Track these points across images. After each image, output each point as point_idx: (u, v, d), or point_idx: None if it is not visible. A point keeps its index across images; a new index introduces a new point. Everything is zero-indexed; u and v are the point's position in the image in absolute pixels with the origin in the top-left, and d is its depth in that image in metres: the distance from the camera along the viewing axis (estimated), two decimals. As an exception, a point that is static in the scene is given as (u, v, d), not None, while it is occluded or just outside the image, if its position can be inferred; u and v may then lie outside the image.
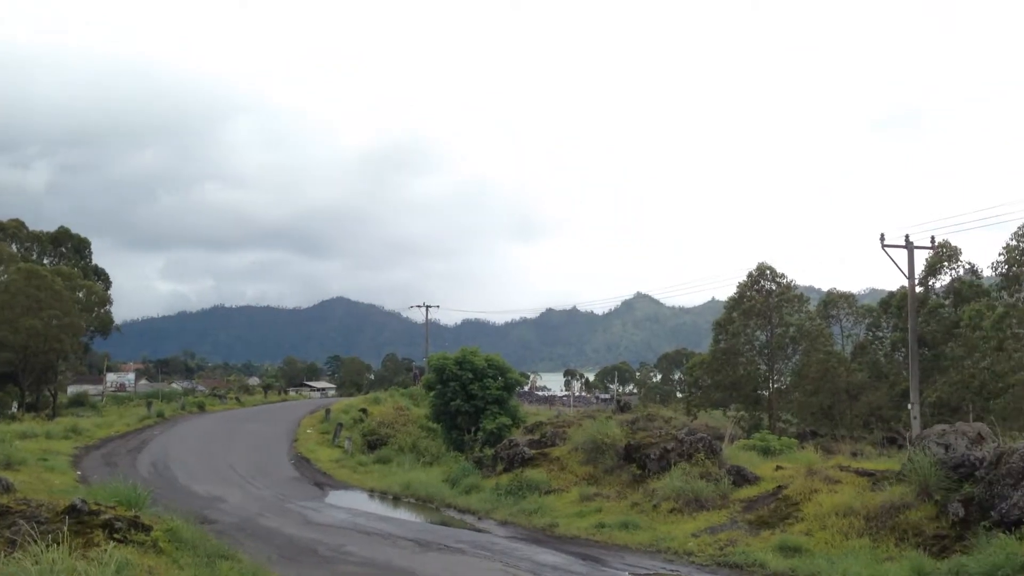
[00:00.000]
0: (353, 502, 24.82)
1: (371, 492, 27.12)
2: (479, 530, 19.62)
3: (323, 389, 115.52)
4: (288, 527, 18.93)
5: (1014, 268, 42.87)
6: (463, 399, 33.02)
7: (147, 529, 11.21)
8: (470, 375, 33.35)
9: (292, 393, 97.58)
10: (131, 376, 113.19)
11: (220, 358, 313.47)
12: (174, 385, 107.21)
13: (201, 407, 56.11)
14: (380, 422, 43.00)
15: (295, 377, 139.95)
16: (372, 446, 37.77)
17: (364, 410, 46.21)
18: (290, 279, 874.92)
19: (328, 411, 47.57)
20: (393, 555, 15.61)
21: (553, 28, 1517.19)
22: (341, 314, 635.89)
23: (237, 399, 68.50)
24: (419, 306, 77.88)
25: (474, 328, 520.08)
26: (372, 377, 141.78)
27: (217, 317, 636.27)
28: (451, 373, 33.52)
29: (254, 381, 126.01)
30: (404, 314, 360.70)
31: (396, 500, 25.38)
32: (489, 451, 27.48)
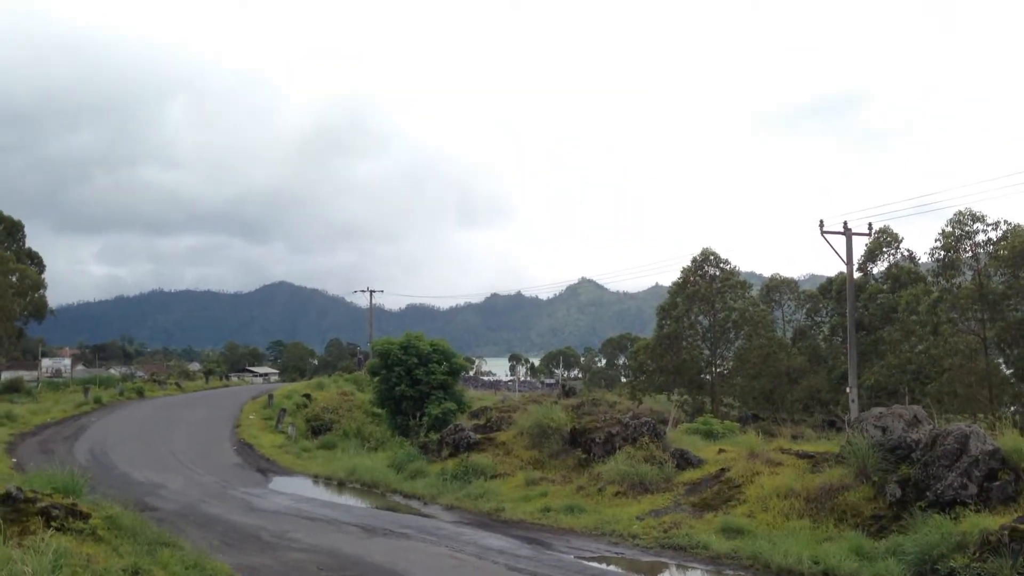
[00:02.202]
0: (297, 488, 24.54)
1: (315, 478, 26.84)
2: (425, 515, 19.54)
3: (265, 375, 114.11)
4: (231, 514, 18.64)
5: (949, 254, 43.97)
6: (408, 384, 32.85)
7: (85, 517, 10.94)
8: (415, 360, 33.19)
9: (234, 379, 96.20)
10: (67, 362, 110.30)
11: (159, 343, 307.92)
12: (112, 371, 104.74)
13: (140, 393, 54.98)
14: (324, 407, 42.59)
15: (237, 362, 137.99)
16: (316, 432, 37.42)
17: (308, 395, 45.72)
18: (231, 263, 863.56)
19: (271, 396, 46.99)
20: (339, 541, 15.46)
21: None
22: (283, 299, 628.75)
23: (177, 385, 67.26)
24: (363, 291, 77.19)
25: (419, 313, 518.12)
26: (315, 362, 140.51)
27: (156, 301, 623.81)
28: (396, 358, 33.32)
29: (195, 366, 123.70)
30: (348, 299, 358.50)
31: (341, 486, 25.15)
32: (435, 436, 27.39)
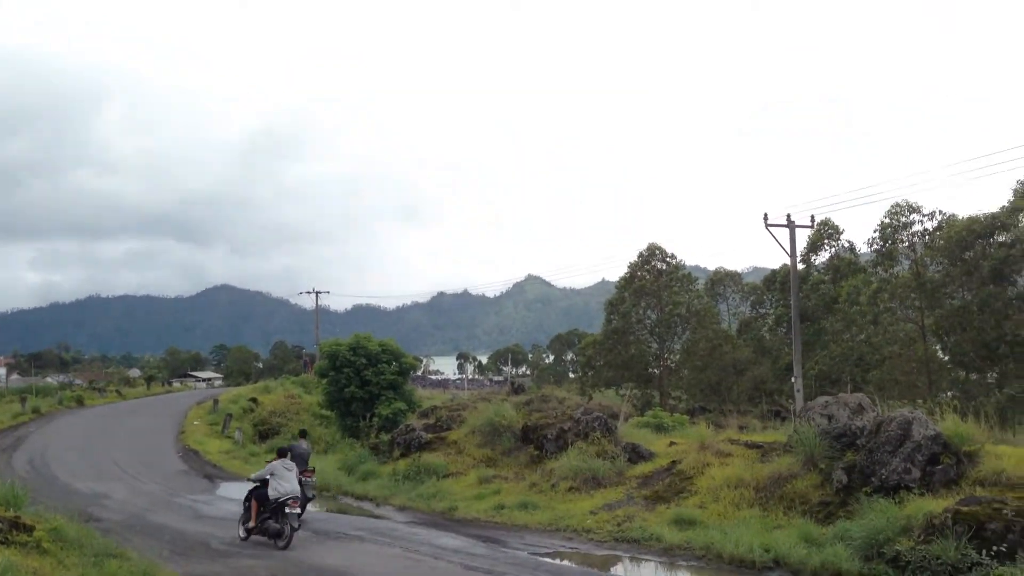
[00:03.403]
0: (244, 494, 24.16)
1: (264, 483, 26.45)
2: (378, 516, 19.41)
3: (209, 379, 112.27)
4: (178, 522, 18.31)
5: (888, 244, 44.94)
6: (357, 385, 32.58)
7: (29, 529, 10.67)
8: (364, 361, 32.92)
9: (176, 384, 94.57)
10: (2, 371, 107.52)
11: (97, 350, 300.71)
12: (49, 379, 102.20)
13: (80, 401, 53.68)
14: (271, 411, 42.11)
15: (179, 368, 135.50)
16: (264, 436, 36.99)
17: (254, 400, 45.14)
18: (171, 267, 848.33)
19: (216, 401, 46.29)
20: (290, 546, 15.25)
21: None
22: (226, 302, 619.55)
23: (118, 392, 65.81)
24: (308, 292, 76.29)
25: (365, 313, 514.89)
26: (261, 366, 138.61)
27: (93, 307, 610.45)
28: (344, 359, 33.01)
29: (135, 373, 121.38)
30: (293, 301, 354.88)
31: (291, 490, 24.82)
32: (385, 437, 27.21)
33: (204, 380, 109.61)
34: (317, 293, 75.54)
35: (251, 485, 16.17)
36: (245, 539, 15.70)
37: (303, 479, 17.50)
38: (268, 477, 15.79)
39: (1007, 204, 40.75)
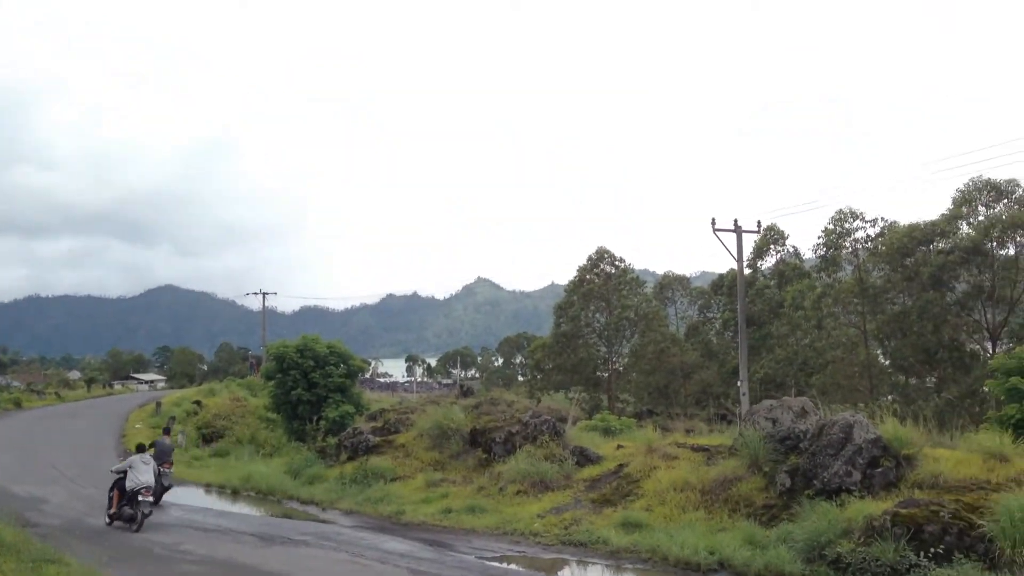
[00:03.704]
0: (189, 498, 23.72)
1: (208, 487, 26.06)
2: (324, 521, 19.20)
3: (152, 382, 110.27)
4: (119, 526, 17.90)
5: (831, 251, 45.77)
6: (304, 388, 32.22)
7: (-39, 536, 10.35)
8: (311, 363, 32.57)
9: (118, 386, 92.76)
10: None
11: (36, 351, 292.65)
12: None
13: (17, 403, 52.36)
14: (216, 414, 41.44)
15: (121, 370, 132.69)
16: (208, 439, 36.38)
17: (198, 402, 44.41)
18: (113, 267, 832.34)
19: (159, 404, 45.47)
20: (234, 551, 15.01)
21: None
22: (170, 302, 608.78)
23: (57, 394, 64.32)
24: (255, 293, 75.46)
25: (313, 315, 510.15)
26: (205, 368, 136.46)
27: (32, 308, 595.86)
28: (292, 361, 32.63)
29: (75, 375, 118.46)
30: (239, 302, 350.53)
31: (235, 494, 24.49)
32: (332, 440, 26.96)
33: (147, 382, 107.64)
34: (264, 294, 74.72)
35: (115, 476, 18.04)
36: (108, 524, 17.51)
37: (162, 470, 20.05)
38: (128, 469, 17.61)
39: (946, 212, 41.74)
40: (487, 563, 13.74)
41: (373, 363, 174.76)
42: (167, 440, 22.33)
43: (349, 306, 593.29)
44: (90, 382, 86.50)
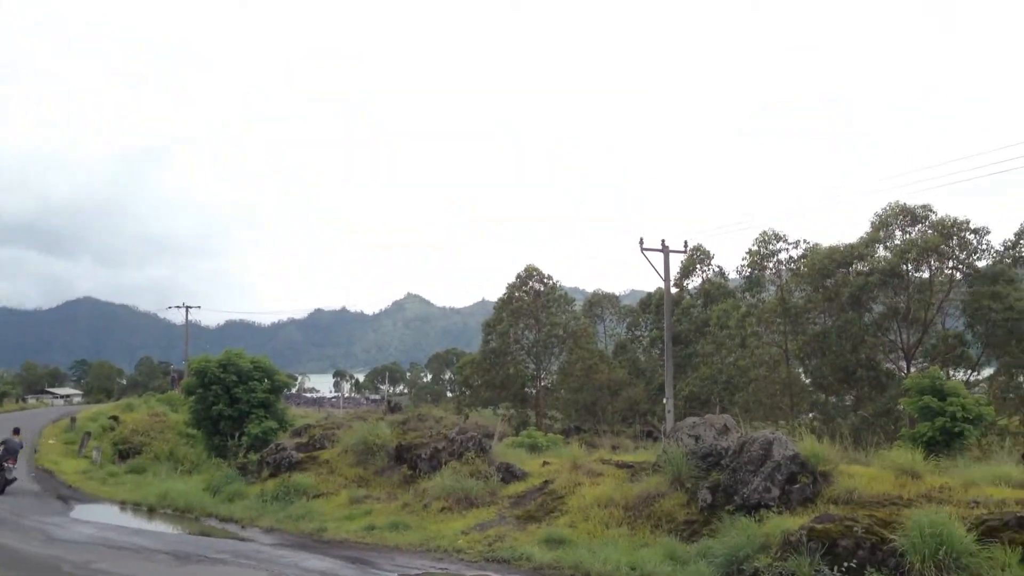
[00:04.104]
0: (102, 516, 22.99)
1: (123, 504, 25.28)
2: (243, 539, 18.76)
3: (68, 396, 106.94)
4: (27, 545, 17.22)
5: (756, 271, 46.75)
6: (226, 403, 31.54)
7: None
8: (234, 378, 31.92)
9: (32, 401, 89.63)
10: None
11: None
12: None
13: (-78, 418, 50.14)
14: (133, 430, 40.31)
15: (35, 384, 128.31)
16: (124, 455, 35.37)
17: (115, 418, 43.19)
18: (29, 278, 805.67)
19: (74, 419, 44.09)
20: (148, 570, 14.57)
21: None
22: (89, 315, 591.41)
23: (-34, 409, 61.87)
24: (178, 306, 73.98)
25: (239, 329, 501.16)
26: (124, 383, 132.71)
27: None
28: (214, 376, 31.93)
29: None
30: (161, 315, 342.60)
31: (151, 512, 23.79)
32: (254, 456, 26.43)
33: (62, 397, 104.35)
34: (187, 308, 73.19)
35: None
36: None
37: (6, 465, 24.69)
38: None
39: (865, 235, 43.01)
40: (409, 581, 13.60)
41: (300, 378, 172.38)
42: (17, 439, 27.01)
43: (276, 320, 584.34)
44: (2, 396, 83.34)
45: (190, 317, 74.20)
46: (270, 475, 23.99)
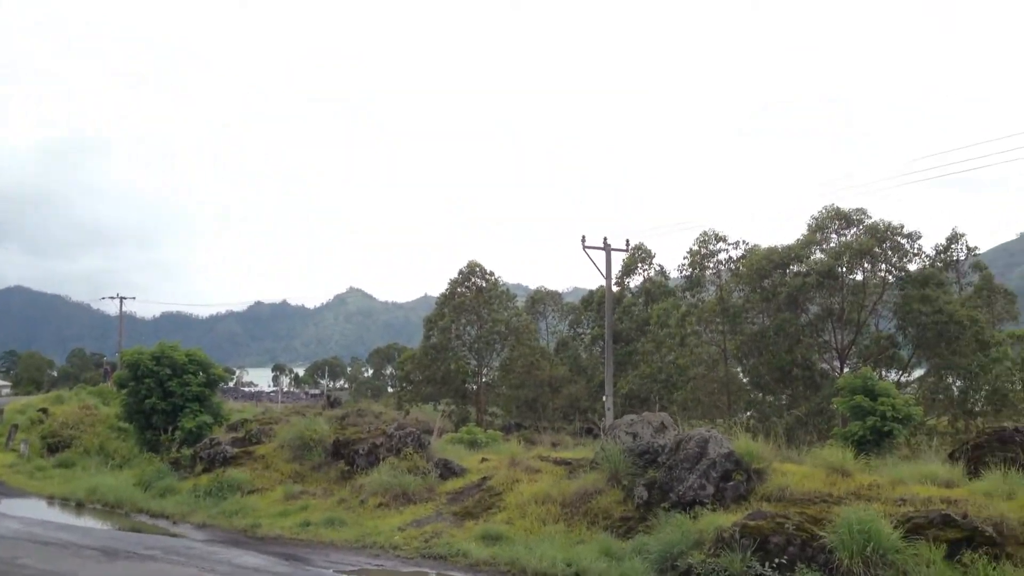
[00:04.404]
0: (29, 510, 22.36)
1: (51, 499, 24.66)
2: (174, 535, 18.41)
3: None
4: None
5: (695, 271, 47.30)
6: (160, 397, 30.89)
7: None
8: (168, 371, 31.27)
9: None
10: None
11: None
12: None
13: None
14: (63, 423, 39.19)
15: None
16: (53, 449, 34.42)
17: (44, 410, 41.95)
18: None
19: (1, 411, 42.73)
20: (76, 566, 14.19)
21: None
22: (19, 305, 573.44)
23: None
24: (112, 297, 72.23)
25: (176, 321, 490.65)
26: (55, 374, 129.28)
27: None
28: (147, 369, 31.24)
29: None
30: (95, 306, 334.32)
31: (80, 507, 23.24)
32: (188, 451, 25.94)
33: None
34: (122, 299, 71.60)
35: None
36: None
37: None
38: None
39: (801, 237, 43.80)
40: (344, 577, 13.47)
41: (238, 372, 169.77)
42: None
43: (215, 313, 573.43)
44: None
45: (125, 308, 72.61)
46: (204, 470, 23.58)
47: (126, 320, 72.64)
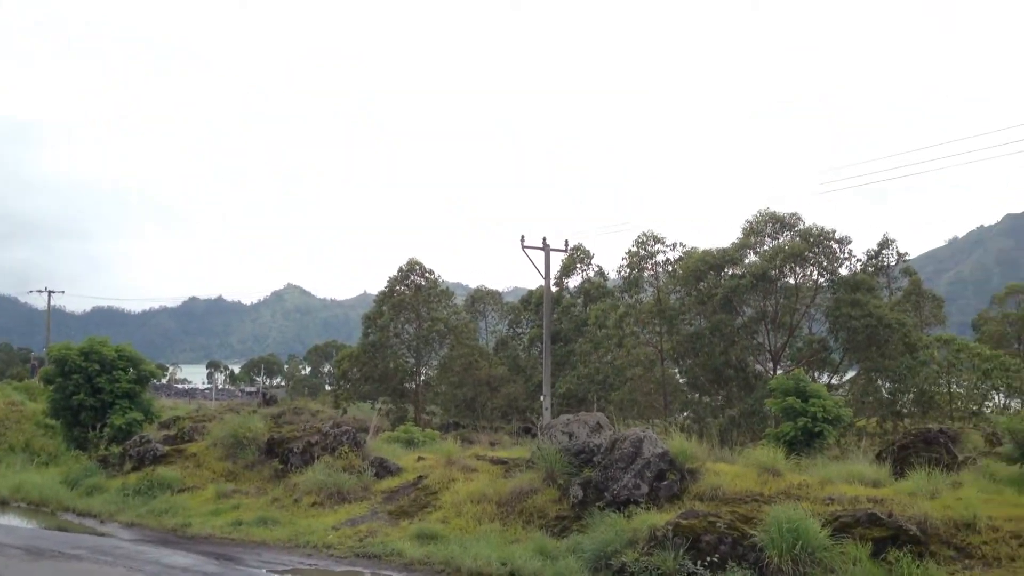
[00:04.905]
0: None
1: (-28, 498, 23.85)
2: (101, 534, 18.00)
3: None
4: None
5: (634, 272, 47.75)
6: (88, 393, 30.10)
7: None
8: (97, 367, 30.47)
9: None
10: None
11: None
12: None
13: None
14: (-13, 419, 38.01)
15: None
16: (-25, 446, 33.29)
17: (-33, 406, 40.61)
18: None
19: (-80, 407, 41.21)
20: (-4, 567, 13.80)
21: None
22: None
23: None
24: (40, 291, 70.34)
25: (107, 316, 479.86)
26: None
27: None
28: (75, 365, 30.41)
29: None
30: (22, 299, 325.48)
31: (3, 505, 22.52)
32: (117, 449, 25.34)
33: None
34: (50, 292, 69.75)
35: None
36: None
37: None
38: None
39: (736, 240, 44.53)
40: (275, 577, 13.31)
41: (171, 369, 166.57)
42: None
43: (148, 308, 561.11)
44: None
45: (54, 302, 70.87)
46: (133, 468, 23.09)
47: (55, 314, 70.83)
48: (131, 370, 31.09)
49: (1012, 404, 41.24)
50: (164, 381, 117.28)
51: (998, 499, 12.84)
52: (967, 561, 11.07)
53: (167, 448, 23.82)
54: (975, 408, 40.71)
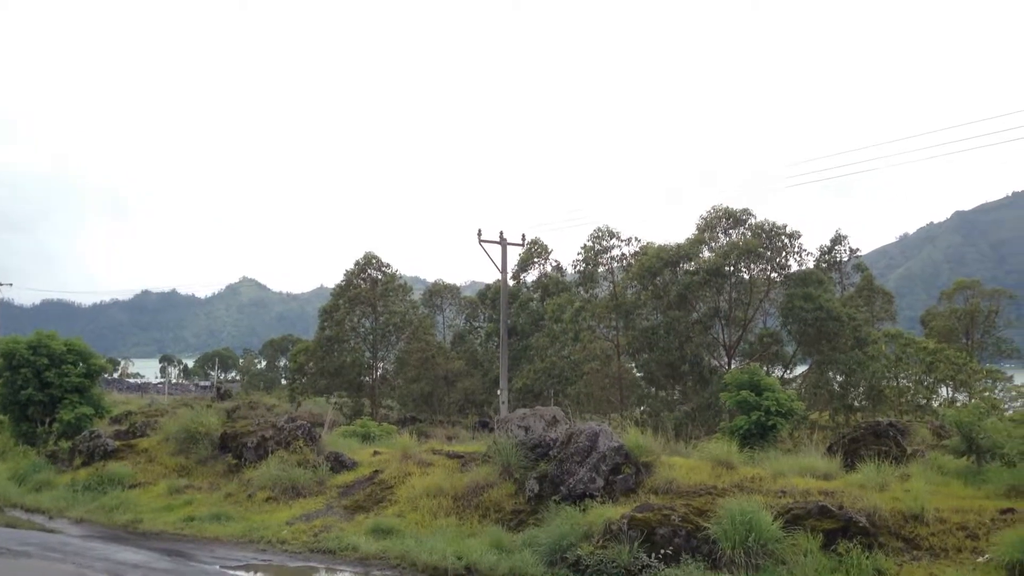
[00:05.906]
0: None
1: (-85, 495, 23.27)
2: (50, 530, 17.68)
3: None
4: None
5: (590, 267, 47.90)
6: (36, 387, 29.52)
7: None
8: (46, 361, 29.89)
9: None
10: None
11: None
12: None
13: None
14: (-69, 414, 37.10)
15: None
16: (-81, 442, 32.48)
17: (-90, 401, 39.60)
18: None
19: None
20: (-62, 566, 13.48)
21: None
22: None
23: None
24: (-13, 283, 68.70)
25: (57, 309, 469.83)
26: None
27: None
28: (23, 359, 29.80)
29: None
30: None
31: (-52, 503, 22.04)
32: (66, 444, 24.91)
33: None
34: (-2, 284, 68.15)
35: None
36: None
37: None
38: None
39: (691, 236, 44.89)
40: (229, 572, 13.20)
41: (123, 363, 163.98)
42: None
43: (99, 301, 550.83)
44: None
45: (2, 295, 69.13)
46: (83, 464, 22.71)
47: (3, 308, 69.25)
48: (81, 364, 30.50)
49: (959, 398, 42.07)
50: (116, 375, 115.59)
51: (945, 491, 13.13)
52: (915, 552, 11.31)
53: (118, 443, 23.46)
54: (923, 401, 41.49)
